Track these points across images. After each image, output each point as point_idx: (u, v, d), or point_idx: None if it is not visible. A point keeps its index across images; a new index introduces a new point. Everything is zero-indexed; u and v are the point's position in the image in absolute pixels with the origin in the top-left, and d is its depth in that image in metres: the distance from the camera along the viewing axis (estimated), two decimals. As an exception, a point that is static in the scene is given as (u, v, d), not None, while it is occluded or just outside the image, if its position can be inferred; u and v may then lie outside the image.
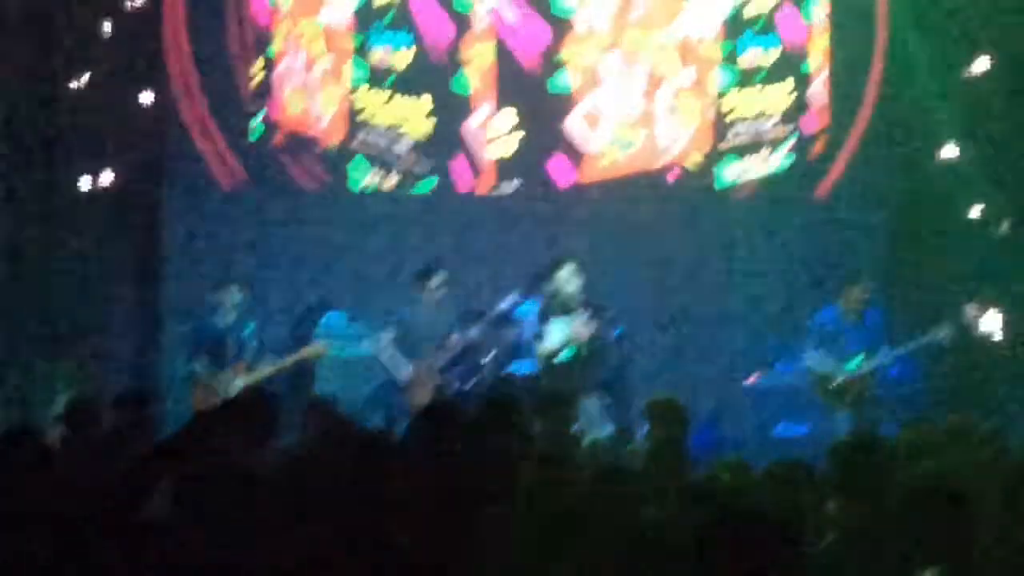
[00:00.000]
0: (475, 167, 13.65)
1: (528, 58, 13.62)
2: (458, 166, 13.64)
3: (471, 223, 13.77)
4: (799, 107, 14.20)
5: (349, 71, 13.52)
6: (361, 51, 13.51)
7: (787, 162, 14.18)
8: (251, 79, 13.54)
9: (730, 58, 14.05)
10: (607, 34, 13.78)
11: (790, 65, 14.18)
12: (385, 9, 13.49)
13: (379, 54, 13.48)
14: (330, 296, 13.39)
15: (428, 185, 13.65)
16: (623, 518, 5.07)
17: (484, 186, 13.69)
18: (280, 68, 13.63)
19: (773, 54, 14.13)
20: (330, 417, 7.91)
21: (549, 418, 8.13)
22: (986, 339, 12.17)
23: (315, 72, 13.65)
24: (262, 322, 12.10)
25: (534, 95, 13.62)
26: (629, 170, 13.91)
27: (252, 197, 13.63)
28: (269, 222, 13.58)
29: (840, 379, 11.01)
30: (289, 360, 11.72)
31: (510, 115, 13.55)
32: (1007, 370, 12.75)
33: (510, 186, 13.70)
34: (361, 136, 13.57)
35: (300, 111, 13.69)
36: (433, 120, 13.48)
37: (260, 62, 13.56)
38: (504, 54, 13.56)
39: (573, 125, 13.78)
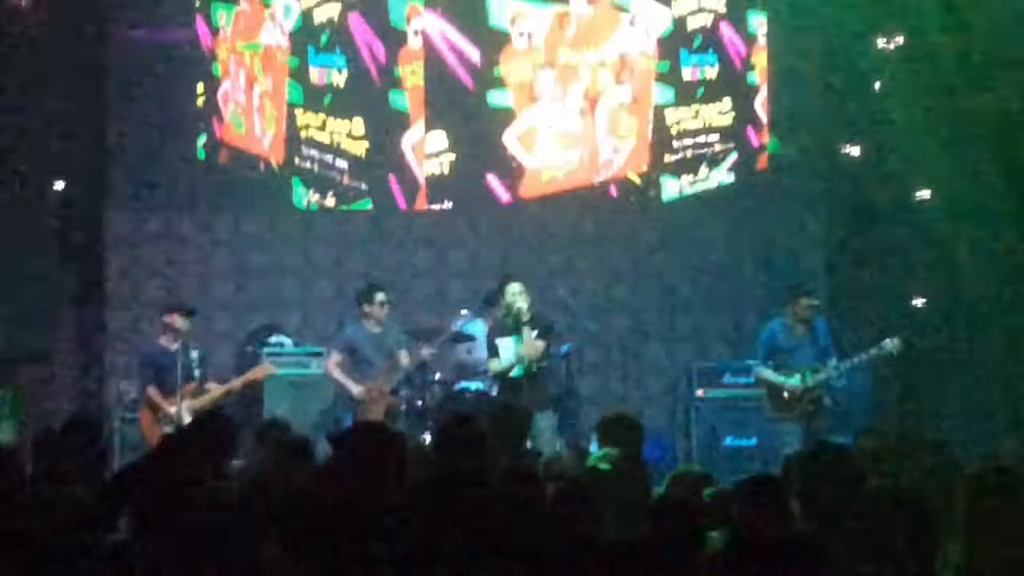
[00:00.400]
0: (411, 185, 13.65)
1: (463, 75, 13.64)
2: (394, 184, 13.64)
3: (416, 240, 13.73)
4: (742, 122, 14.30)
5: (286, 92, 13.54)
6: (298, 72, 13.53)
7: (730, 177, 14.26)
8: (196, 99, 13.48)
9: (669, 75, 14.13)
10: (543, 51, 13.84)
11: (731, 81, 14.30)
12: (320, 30, 13.52)
13: (316, 75, 13.51)
14: (276, 317, 13.30)
15: (365, 204, 13.66)
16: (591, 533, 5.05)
17: (420, 203, 13.68)
18: (222, 89, 13.59)
19: (712, 71, 14.25)
20: (284, 438, 7.83)
21: (506, 434, 8.09)
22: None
23: (255, 93, 13.63)
24: (208, 345, 11.99)
25: (471, 112, 13.65)
26: (569, 186, 13.95)
27: (196, 218, 13.52)
28: (213, 243, 13.47)
29: (789, 390, 11.03)
30: (237, 382, 11.61)
31: (443, 133, 13.59)
32: (952, 381, 12.91)
33: (446, 203, 13.70)
34: (302, 155, 13.56)
35: (243, 131, 13.65)
36: (367, 140, 13.53)
37: (202, 84, 13.50)
38: (438, 71, 13.58)
39: (511, 141, 13.80)
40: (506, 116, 13.78)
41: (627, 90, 14.07)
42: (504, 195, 13.85)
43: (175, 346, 11.26)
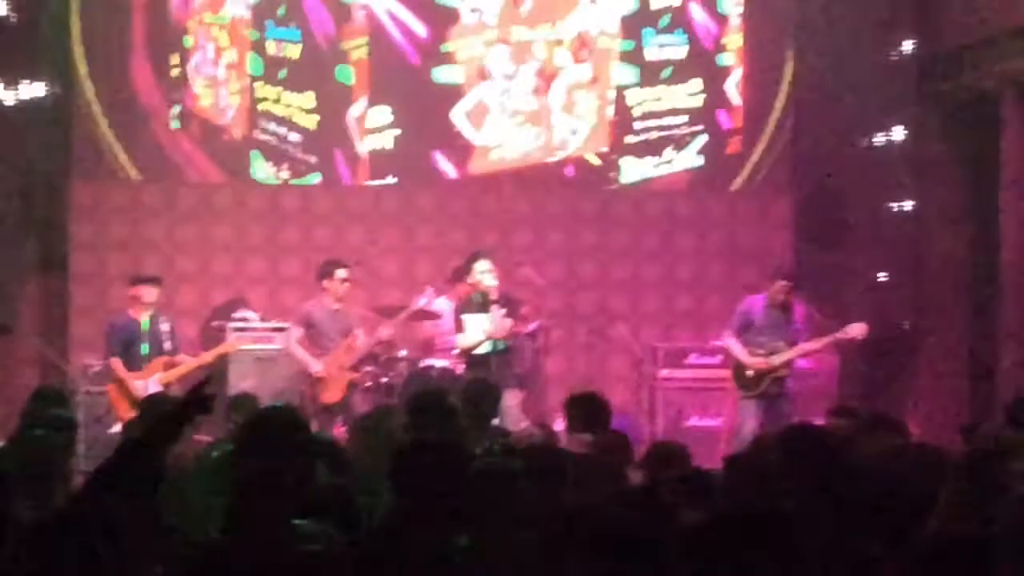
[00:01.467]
0: (354, 159, 13.65)
1: (409, 50, 13.62)
2: (339, 158, 13.67)
3: (382, 216, 13.71)
4: (712, 105, 14.21)
5: (248, 65, 13.57)
6: (258, 45, 13.57)
7: (699, 160, 14.21)
8: (169, 71, 13.45)
9: (633, 55, 14.05)
10: (495, 27, 13.79)
11: (700, 62, 14.20)
12: (278, 3, 13.57)
13: (273, 48, 13.56)
14: (241, 292, 13.28)
15: (314, 177, 13.69)
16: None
17: (361, 178, 13.67)
18: (192, 61, 13.57)
19: (680, 51, 14.15)
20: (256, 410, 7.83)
21: (477, 409, 8.10)
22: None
23: (220, 65, 13.62)
24: (174, 319, 11.94)
25: (417, 88, 13.61)
26: (522, 164, 13.93)
27: (160, 191, 13.46)
28: (178, 216, 13.42)
29: (753, 368, 11.09)
30: (208, 355, 11.59)
31: (387, 108, 13.56)
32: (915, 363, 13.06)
33: (389, 178, 13.69)
34: (260, 128, 13.58)
35: (210, 103, 13.62)
36: (317, 114, 13.55)
37: (176, 55, 13.48)
38: (385, 46, 13.56)
39: (459, 118, 13.76)
40: (454, 92, 13.74)
41: (586, 69, 14.00)
42: (451, 172, 13.84)
43: (143, 317, 11.24)
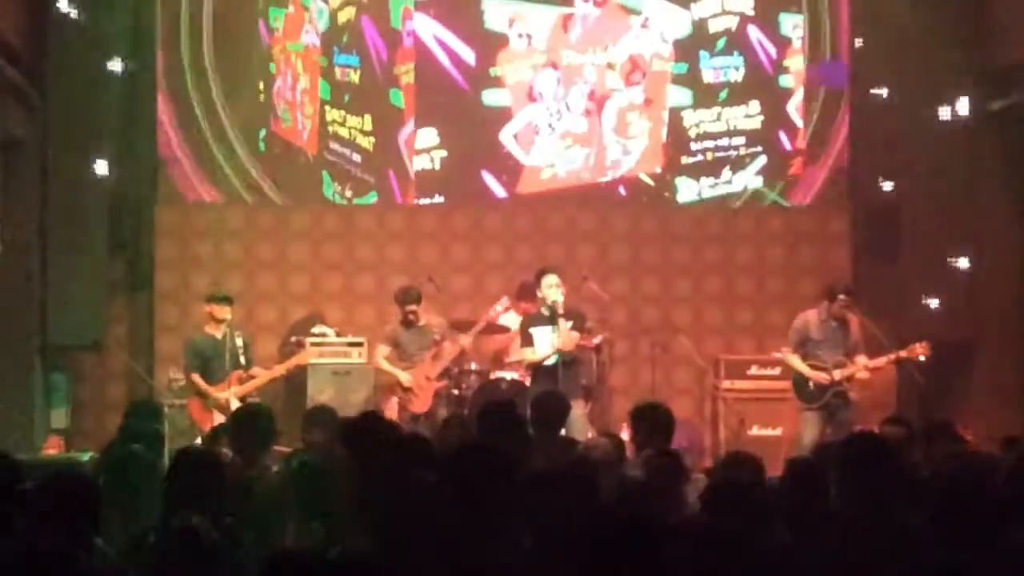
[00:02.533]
0: (404, 179, 14.13)
1: (456, 74, 14.07)
2: (393, 179, 14.16)
3: (453, 236, 14.15)
4: (771, 126, 14.40)
5: (319, 89, 14.18)
6: (326, 71, 14.18)
7: (758, 180, 14.42)
8: (258, 95, 14.09)
9: (687, 77, 14.32)
10: (544, 52, 14.19)
11: (759, 84, 14.41)
12: (342, 32, 14.15)
13: (338, 73, 14.17)
14: (318, 308, 13.76)
15: (371, 197, 14.20)
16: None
17: (410, 197, 14.15)
18: (275, 86, 14.17)
19: (737, 73, 14.39)
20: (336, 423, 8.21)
21: (546, 420, 8.42)
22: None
23: (297, 90, 14.21)
24: (253, 336, 12.43)
25: (464, 109, 14.06)
26: (572, 184, 14.27)
27: (240, 212, 13.99)
28: (257, 236, 13.94)
29: (815, 381, 11.38)
30: (281, 368, 12.08)
31: (433, 131, 14.05)
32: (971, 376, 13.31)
33: (436, 198, 14.14)
34: (329, 150, 14.15)
35: (289, 126, 14.19)
36: (374, 136, 14.11)
37: (262, 82, 14.10)
38: (432, 70, 14.05)
39: (508, 139, 14.17)
40: (503, 115, 14.15)
41: (638, 91, 14.30)
42: (500, 191, 14.23)
43: (219, 334, 11.75)
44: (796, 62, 14.47)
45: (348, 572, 4.16)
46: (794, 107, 14.45)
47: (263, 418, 7.82)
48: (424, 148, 14.12)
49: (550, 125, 14.22)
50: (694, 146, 14.41)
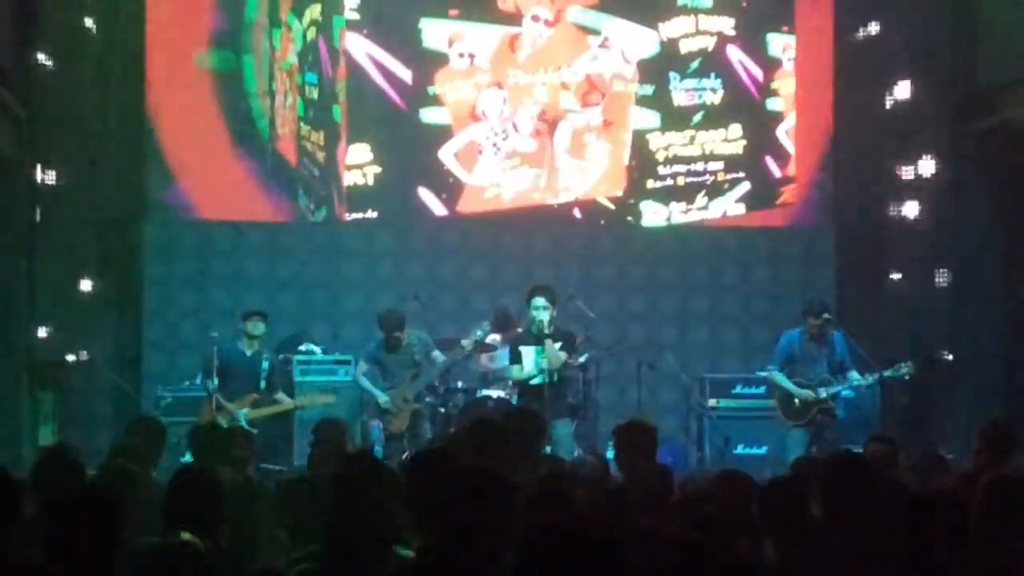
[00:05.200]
0: (339, 195, 14.15)
1: (391, 92, 14.01)
2: (335, 193, 14.22)
3: (440, 253, 14.21)
4: (756, 151, 14.20)
5: (298, 106, 14.32)
6: (301, 89, 14.34)
7: (739, 208, 14.30)
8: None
9: (654, 99, 14.09)
10: (487, 71, 14.07)
11: (741, 107, 14.18)
12: (308, 51, 14.30)
13: (308, 91, 14.31)
14: (304, 326, 13.80)
15: (321, 212, 14.27)
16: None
17: (342, 214, 14.15)
18: (276, 103, 14.29)
19: (714, 95, 14.16)
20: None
21: (525, 438, 8.43)
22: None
23: (287, 105, 14.33)
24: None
25: (400, 127, 14.01)
26: (520, 205, 14.16)
27: (227, 230, 14.02)
28: (244, 254, 13.98)
29: (801, 399, 11.45)
30: (291, 403, 12.07)
31: (366, 147, 14.04)
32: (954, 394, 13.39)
33: (368, 213, 14.13)
34: (303, 164, 14.29)
35: (283, 142, 14.34)
36: (324, 151, 14.22)
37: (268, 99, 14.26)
38: (362, 88, 14.03)
39: (448, 157, 14.10)
40: (442, 133, 14.07)
41: (596, 112, 14.09)
42: (440, 209, 14.13)
43: (250, 351, 11.78)
44: (787, 85, 14.26)
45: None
46: (784, 132, 14.25)
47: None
48: (356, 164, 14.06)
49: (495, 145, 14.08)
50: (662, 170, 14.18)
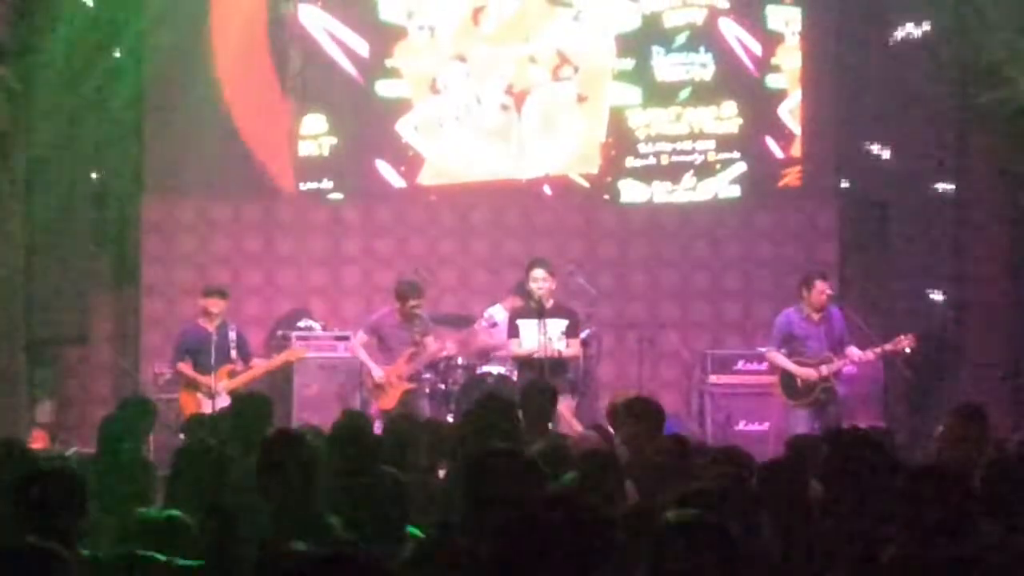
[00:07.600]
0: (294, 163, 13.91)
1: (347, 65, 13.73)
2: (287, 164, 13.97)
3: (440, 229, 14.13)
4: (754, 131, 13.68)
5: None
6: None
7: (734, 190, 13.91)
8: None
9: (634, 74, 13.60)
10: (450, 43, 13.72)
11: (736, 85, 13.62)
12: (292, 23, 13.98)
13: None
14: (304, 302, 13.74)
15: None
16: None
17: (289, 185, 13.87)
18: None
19: (704, 71, 13.61)
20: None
21: (535, 412, 8.37)
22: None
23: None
24: (240, 329, 12.39)
25: (356, 99, 13.76)
26: (485, 179, 13.88)
27: (227, 206, 13.94)
28: (243, 230, 13.89)
29: (803, 378, 11.35)
30: (272, 363, 12.04)
31: (322, 117, 13.80)
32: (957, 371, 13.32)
33: (323, 182, 13.90)
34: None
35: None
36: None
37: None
38: (320, 59, 13.76)
39: (407, 130, 13.85)
40: (400, 106, 13.79)
41: (569, 87, 13.69)
42: (398, 181, 13.85)
43: (211, 327, 11.72)
44: (790, 60, 13.68)
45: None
46: (787, 111, 13.76)
47: (263, 405, 7.82)
48: (310, 134, 13.83)
49: (456, 118, 13.79)
50: (643, 148, 13.76)
